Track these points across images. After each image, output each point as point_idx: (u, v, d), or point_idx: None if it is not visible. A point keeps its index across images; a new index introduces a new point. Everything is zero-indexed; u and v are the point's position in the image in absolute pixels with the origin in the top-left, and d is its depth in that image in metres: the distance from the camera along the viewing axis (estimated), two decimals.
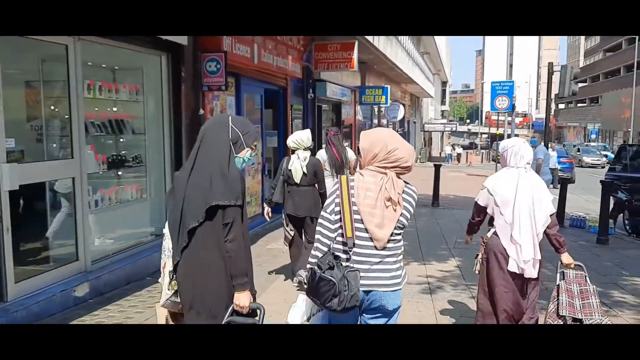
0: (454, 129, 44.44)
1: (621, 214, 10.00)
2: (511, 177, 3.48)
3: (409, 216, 2.49)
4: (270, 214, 5.65)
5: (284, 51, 9.03)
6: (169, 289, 2.63)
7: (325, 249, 2.45)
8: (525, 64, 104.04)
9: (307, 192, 5.26)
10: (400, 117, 20.41)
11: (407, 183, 2.52)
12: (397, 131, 27.44)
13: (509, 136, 23.14)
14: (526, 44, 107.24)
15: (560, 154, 21.03)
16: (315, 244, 2.52)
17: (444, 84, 57.82)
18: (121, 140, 5.85)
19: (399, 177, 2.47)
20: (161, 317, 2.80)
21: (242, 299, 2.47)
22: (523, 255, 3.40)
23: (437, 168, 12.41)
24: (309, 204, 5.24)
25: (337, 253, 2.41)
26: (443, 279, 6.02)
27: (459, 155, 38.41)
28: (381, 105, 16.65)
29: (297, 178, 5.21)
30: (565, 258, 3.68)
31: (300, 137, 5.27)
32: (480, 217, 3.74)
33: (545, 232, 3.49)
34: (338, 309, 2.31)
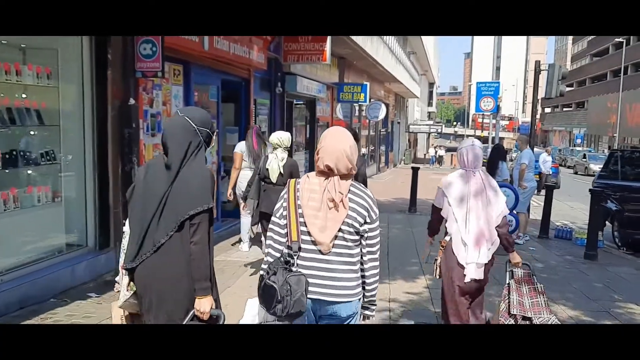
0: (439, 130, 43.83)
1: (610, 225, 9.24)
2: (464, 178, 3.56)
3: (360, 219, 2.37)
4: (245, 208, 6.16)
5: (246, 40, 8.12)
6: (127, 290, 2.53)
7: (277, 254, 2.39)
8: (512, 67, 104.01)
9: (282, 191, 4.83)
10: (381, 116, 19.59)
11: (358, 184, 2.44)
12: (380, 132, 26.85)
13: (493, 139, 22.45)
14: (514, 48, 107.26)
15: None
16: (267, 250, 2.47)
17: (431, 85, 57.25)
18: (31, 133, 4.91)
19: (346, 178, 2.39)
20: (116, 317, 2.70)
21: (203, 305, 2.39)
22: (468, 256, 3.45)
23: (415, 171, 11.56)
24: None
25: (287, 258, 2.34)
26: (408, 303, 5.17)
27: (440, 157, 37.72)
28: (360, 103, 15.78)
29: (274, 177, 5.35)
30: (514, 257, 3.75)
31: (283, 137, 5.52)
32: (438, 215, 3.72)
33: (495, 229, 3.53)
34: (282, 315, 2.25)
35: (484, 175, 3.60)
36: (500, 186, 7.66)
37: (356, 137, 6.77)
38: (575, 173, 30.68)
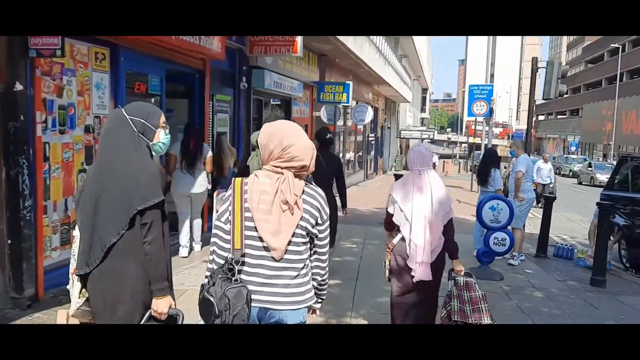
0: (431, 136, 42.75)
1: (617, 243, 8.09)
2: (410, 180, 3.62)
3: (313, 221, 2.24)
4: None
5: None
6: (80, 297, 2.45)
7: (221, 261, 2.20)
8: (506, 74, 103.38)
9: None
10: (368, 120, 18.45)
11: (310, 183, 2.28)
12: (369, 137, 25.70)
13: (486, 146, 21.37)
14: (508, 54, 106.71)
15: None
16: (210, 257, 2.28)
17: (424, 90, 56.49)
18: None
19: (300, 178, 2.22)
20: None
21: (161, 305, 2.35)
22: (416, 256, 3.48)
23: (398, 179, 10.35)
24: None
25: (230, 266, 2.14)
26: None
27: (433, 164, 36.56)
28: (342, 104, 14.60)
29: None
30: (457, 265, 3.79)
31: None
32: (390, 222, 3.69)
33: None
34: None
35: (430, 174, 3.62)
36: (492, 198, 6.57)
37: (330, 141, 6.28)
38: (580, 183, 29.27)
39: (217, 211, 6.55)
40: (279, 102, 11.81)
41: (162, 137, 2.47)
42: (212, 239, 2.26)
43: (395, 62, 25.11)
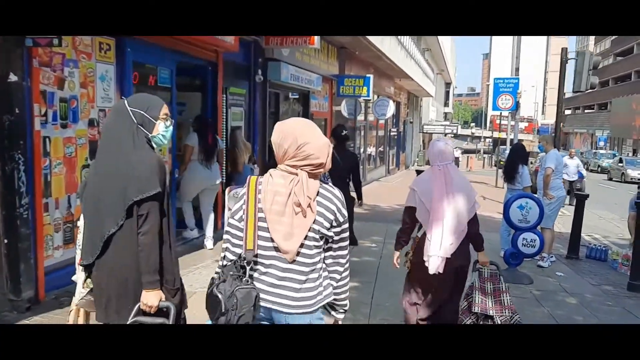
0: (455, 131, 42.04)
1: None
2: (431, 175, 3.61)
3: (327, 224, 2.13)
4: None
5: None
6: (84, 287, 2.48)
7: (234, 258, 2.15)
8: (532, 68, 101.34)
9: None
10: (389, 114, 18.01)
11: (326, 184, 2.18)
12: (390, 131, 25.22)
13: (512, 141, 20.75)
14: (533, 48, 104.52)
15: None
16: (222, 253, 2.25)
17: (448, 85, 55.67)
18: None
19: (314, 178, 2.13)
20: (75, 318, 2.65)
21: (150, 299, 2.33)
22: (430, 249, 3.46)
23: (419, 174, 9.96)
24: None
25: (242, 264, 2.11)
26: None
27: (457, 159, 35.92)
28: (362, 97, 14.21)
29: None
30: (482, 257, 3.78)
31: None
32: (409, 223, 3.70)
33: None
34: None
35: (451, 169, 3.60)
36: (521, 197, 6.13)
37: (346, 137, 6.21)
38: (610, 179, 27.98)
39: (229, 209, 6.36)
40: (297, 96, 11.49)
41: (161, 129, 2.43)
42: (225, 236, 2.23)
43: (418, 55, 24.59)
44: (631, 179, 26.16)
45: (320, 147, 2.12)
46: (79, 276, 2.48)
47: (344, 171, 5.72)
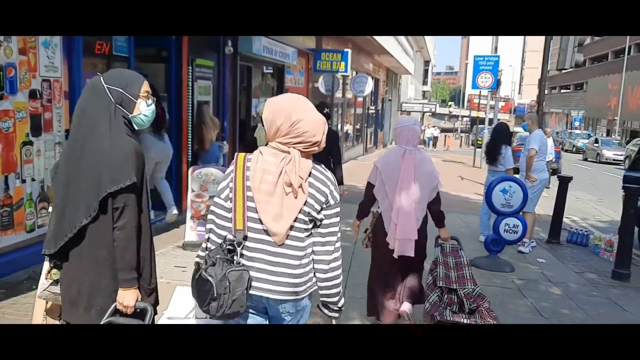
0: (433, 109, 41.83)
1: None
2: (397, 155, 3.62)
3: (318, 206, 2.02)
4: None
5: None
6: (47, 278, 2.29)
7: (219, 240, 2.01)
8: (510, 47, 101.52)
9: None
10: (367, 91, 17.52)
11: (319, 164, 2.07)
12: (369, 109, 24.79)
13: (491, 121, 20.52)
14: None
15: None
16: (207, 235, 2.08)
17: (427, 63, 55.23)
18: None
19: (307, 157, 2.02)
20: (38, 311, 2.44)
21: (127, 298, 2.13)
22: (397, 232, 3.53)
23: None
24: None
25: (230, 247, 1.98)
26: None
27: (435, 138, 35.78)
28: (339, 73, 13.71)
29: (261, 145, 4.84)
30: (444, 233, 3.93)
31: None
32: (370, 194, 3.74)
33: (428, 206, 3.65)
34: (217, 315, 1.93)
35: (419, 154, 3.65)
36: (504, 180, 5.77)
37: (327, 116, 6.05)
38: (585, 160, 27.92)
39: (192, 190, 5.90)
40: (271, 70, 10.94)
41: (142, 108, 2.20)
42: (210, 216, 2.08)
43: None
44: (606, 159, 26.27)
45: (316, 124, 2.00)
46: (44, 266, 2.32)
47: (325, 149, 5.60)
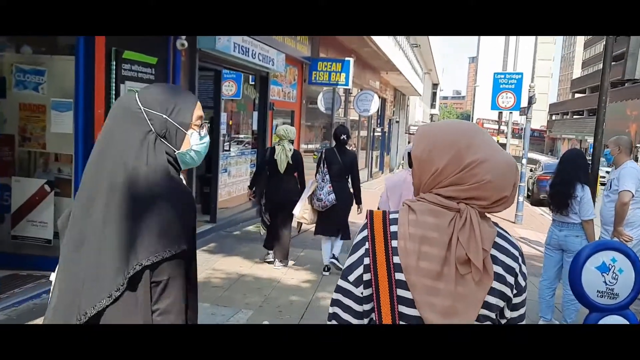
0: None
1: None
2: (403, 175, 3.84)
3: (507, 292, 1.27)
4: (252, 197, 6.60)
5: None
6: None
7: None
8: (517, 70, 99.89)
9: (289, 180, 5.99)
10: (373, 110, 15.28)
11: (501, 228, 1.34)
12: (374, 130, 22.60)
13: (503, 146, 18.23)
14: (520, 53, 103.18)
15: None
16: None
17: (435, 86, 53.60)
18: None
19: (484, 217, 1.30)
20: None
21: None
22: None
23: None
24: (291, 191, 5.94)
25: None
26: None
27: None
28: (339, 86, 11.49)
29: (282, 168, 5.84)
30: None
31: (289, 129, 6.07)
32: None
33: None
34: None
35: None
36: (602, 247, 3.28)
37: (345, 142, 6.10)
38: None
39: None
40: (252, 79, 8.70)
41: (194, 141, 1.57)
42: (332, 309, 1.35)
43: (407, 48, 21.95)
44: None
45: (504, 171, 1.27)
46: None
47: (344, 169, 6.02)
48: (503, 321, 1.31)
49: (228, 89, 7.88)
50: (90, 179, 1.51)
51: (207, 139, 1.63)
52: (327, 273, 5.94)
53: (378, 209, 3.77)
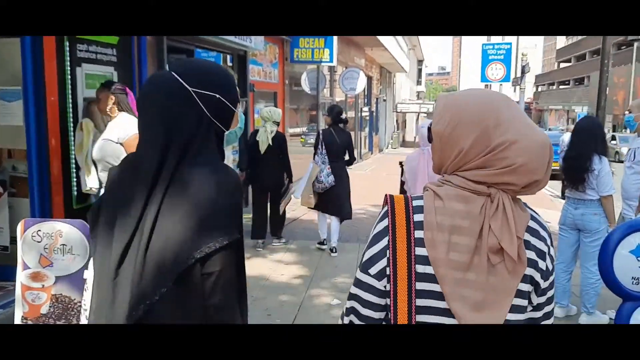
0: (429, 109, 39.45)
1: None
2: (418, 157, 3.83)
3: (537, 278, 1.19)
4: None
5: None
6: None
7: None
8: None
9: (272, 162, 5.89)
10: (360, 88, 14.79)
11: (531, 209, 1.24)
12: (362, 110, 22.07)
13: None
14: None
15: None
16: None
17: (420, 62, 52.97)
18: None
19: (516, 200, 1.20)
20: None
21: None
22: None
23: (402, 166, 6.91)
24: (273, 174, 5.91)
25: None
26: None
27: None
28: (323, 63, 10.95)
29: (262, 149, 5.80)
30: None
31: (273, 111, 6.04)
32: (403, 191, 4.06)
33: None
34: None
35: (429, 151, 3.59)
36: (635, 229, 2.93)
37: (343, 120, 6.30)
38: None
39: (24, 266, 3.25)
40: (234, 58, 8.13)
41: (240, 119, 1.48)
42: (350, 304, 1.25)
43: None
44: None
45: (537, 152, 1.14)
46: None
47: (342, 150, 6.05)
48: (530, 307, 1.21)
49: None
50: (132, 166, 1.38)
51: (243, 115, 1.52)
52: (324, 247, 6.07)
53: (401, 180, 4.12)
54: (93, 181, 3.61)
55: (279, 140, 5.88)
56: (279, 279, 5.04)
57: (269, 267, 5.38)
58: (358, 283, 1.23)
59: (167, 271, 1.26)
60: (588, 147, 3.95)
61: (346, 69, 14.60)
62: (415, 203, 1.20)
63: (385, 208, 1.22)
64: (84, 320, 1.65)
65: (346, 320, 1.28)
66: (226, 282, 1.32)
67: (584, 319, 4.10)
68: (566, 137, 13.21)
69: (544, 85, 71.38)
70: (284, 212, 6.34)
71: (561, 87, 65.66)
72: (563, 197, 4.58)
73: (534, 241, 1.18)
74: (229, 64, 8.12)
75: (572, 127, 14.34)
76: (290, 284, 4.91)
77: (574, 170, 3.96)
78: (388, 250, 1.18)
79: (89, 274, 1.61)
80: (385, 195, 1.28)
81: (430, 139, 1.31)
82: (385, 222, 1.20)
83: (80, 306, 2.44)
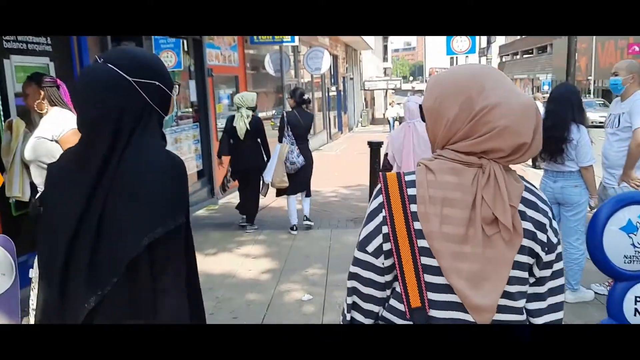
0: (397, 85, 39.22)
1: None
2: (404, 131, 4.12)
3: (539, 251, 1.19)
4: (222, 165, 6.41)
5: None
6: None
7: (369, 320, 1.26)
8: None
9: (252, 147, 6.03)
10: (325, 68, 14.45)
11: (528, 182, 1.24)
12: (329, 90, 21.67)
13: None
14: None
15: None
16: (347, 313, 1.28)
17: (385, 39, 52.71)
18: None
19: (509, 171, 1.20)
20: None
21: None
22: None
23: (375, 150, 6.65)
24: (254, 158, 6.04)
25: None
26: None
27: (401, 118, 33.06)
28: (285, 43, 10.54)
29: (242, 134, 5.90)
30: None
31: (245, 96, 6.13)
32: (387, 164, 4.32)
33: None
34: None
35: (418, 125, 3.96)
36: (627, 201, 2.70)
37: (306, 101, 6.37)
38: None
39: None
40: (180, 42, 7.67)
41: (174, 105, 1.70)
42: (350, 284, 1.26)
43: None
44: (592, 122, 23.84)
45: (520, 114, 1.14)
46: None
47: (306, 130, 6.25)
48: (532, 280, 1.21)
49: (167, 60, 6.83)
50: (79, 155, 1.38)
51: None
52: (295, 232, 6.08)
53: (385, 154, 4.29)
54: (18, 188, 3.21)
55: (257, 124, 6.00)
56: (247, 275, 4.73)
57: (236, 263, 5.07)
58: (357, 262, 1.24)
59: (118, 259, 1.25)
60: (565, 115, 3.71)
61: (310, 49, 14.21)
62: (408, 178, 1.21)
63: (379, 186, 1.22)
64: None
65: (350, 300, 1.26)
66: (173, 266, 1.32)
67: (569, 297, 3.91)
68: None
69: (508, 55, 72.00)
70: (256, 202, 6.36)
71: (525, 56, 66.34)
72: (534, 165, 4.44)
73: (530, 212, 1.17)
74: (186, 50, 7.67)
75: (539, 95, 14.37)
76: (258, 280, 4.60)
77: (551, 142, 3.72)
78: (384, 227, 1.18)
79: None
80: (379, 173, 1.30)
81: (423, 118, 1.30)
82: (379, 199, 1.20)
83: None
